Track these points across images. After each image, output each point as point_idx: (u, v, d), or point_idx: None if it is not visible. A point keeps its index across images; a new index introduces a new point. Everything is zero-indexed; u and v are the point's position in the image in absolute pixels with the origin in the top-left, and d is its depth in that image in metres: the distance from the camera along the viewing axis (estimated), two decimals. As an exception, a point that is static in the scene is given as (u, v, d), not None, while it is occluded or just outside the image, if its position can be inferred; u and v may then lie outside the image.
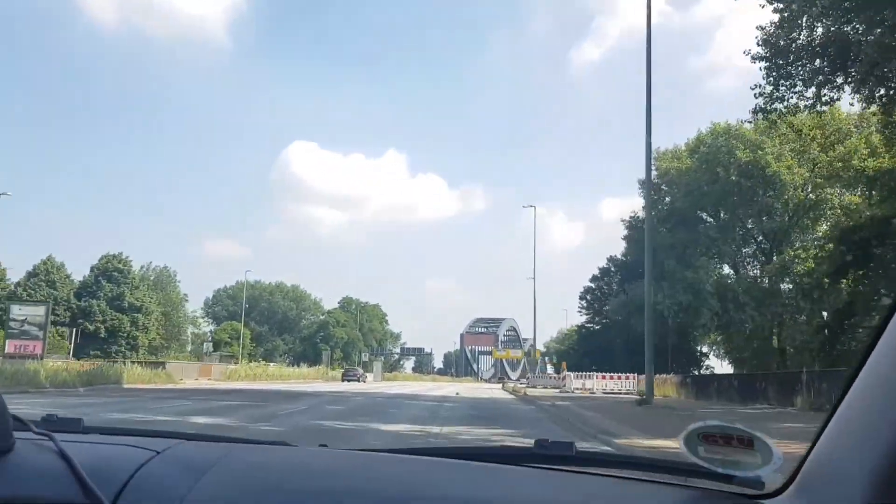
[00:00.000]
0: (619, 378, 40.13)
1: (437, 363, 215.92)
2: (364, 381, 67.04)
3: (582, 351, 61.66)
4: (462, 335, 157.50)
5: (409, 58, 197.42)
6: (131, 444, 1.13)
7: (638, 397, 26.64)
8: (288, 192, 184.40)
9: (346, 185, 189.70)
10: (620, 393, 37.39)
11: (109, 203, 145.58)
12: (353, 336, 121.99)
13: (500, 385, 62.31)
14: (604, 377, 40.34)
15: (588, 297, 60.96)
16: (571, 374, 42.59)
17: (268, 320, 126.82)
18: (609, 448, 9.97)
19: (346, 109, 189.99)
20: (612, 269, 58.96)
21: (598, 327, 60.35)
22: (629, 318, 46.23)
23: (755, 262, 49.89)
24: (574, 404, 23.79)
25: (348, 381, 64.07)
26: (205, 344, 52.75)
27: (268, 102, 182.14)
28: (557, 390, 40.43)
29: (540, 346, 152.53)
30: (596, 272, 61.16)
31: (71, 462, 0.93)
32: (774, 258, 46.30)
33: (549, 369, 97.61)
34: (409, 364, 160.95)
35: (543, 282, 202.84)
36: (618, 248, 58.08)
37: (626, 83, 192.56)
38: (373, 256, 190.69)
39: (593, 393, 37.89)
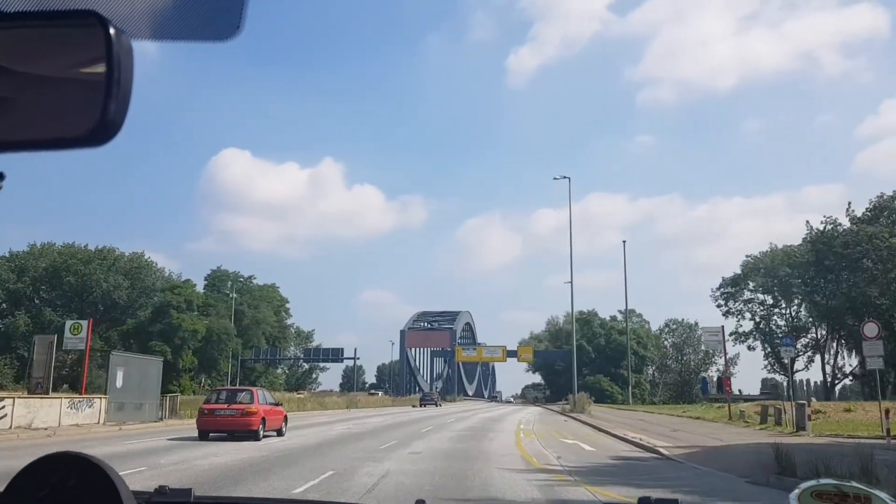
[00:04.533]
0: None
1: (370, 377, 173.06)
2: (439, 406, 64.78)
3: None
4: (403, 332, 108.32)
5: (346, 65, 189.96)
6: None
7: None
8: (218, 202, 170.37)
9: (280, 196, 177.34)
10: None
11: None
12: (218, 328, 71.19)
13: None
14: None
15: None
16: None
17: (80, 306, 75.16)
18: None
19: (280, 116, 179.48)
20: None
21: None
22: None
23: None
24: None
25: (425, 405, 63.53)
26: None
27: (196, 108, 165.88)
28: None
29: (489, 342, 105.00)
30: None
31: None
32: None
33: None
34: (331, 379, 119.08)
35: (482, 296, 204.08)
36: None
37: (564, 91, 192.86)
38: (308, 269, 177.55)
39: None
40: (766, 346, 65.55)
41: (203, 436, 19.34)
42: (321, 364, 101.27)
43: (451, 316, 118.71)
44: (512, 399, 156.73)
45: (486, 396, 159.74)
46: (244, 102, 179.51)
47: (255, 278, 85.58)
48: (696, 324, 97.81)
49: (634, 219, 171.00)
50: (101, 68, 0.63)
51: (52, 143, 0.65)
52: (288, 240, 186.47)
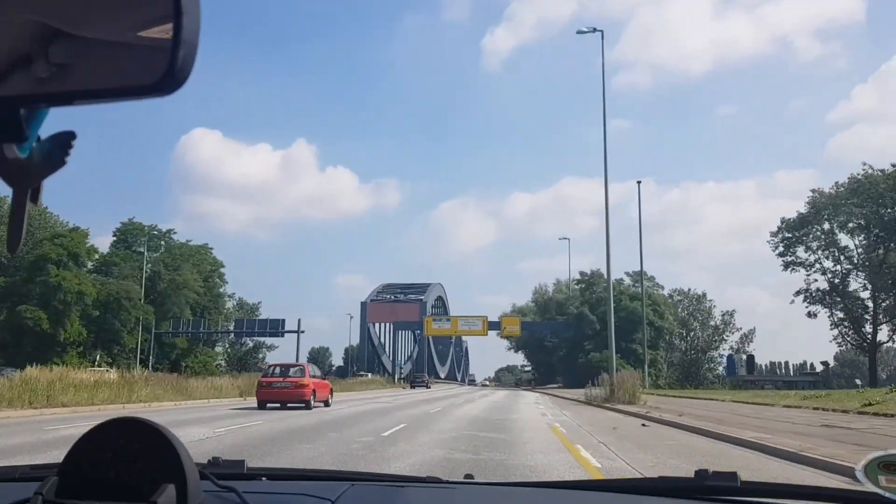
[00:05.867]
0: None
1: (337, 359, 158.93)
2: (429, 388, 64.01)
3: None
4: (364, 304, 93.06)
5: (320, 44, 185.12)
6: (304, 491, 1.19)
7: None
8: (188, 184, 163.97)
9: (252, 177, 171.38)
10: None
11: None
12: (117, 291, 55.28)
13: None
14: None
15: None
16: None
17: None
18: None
19: (252, 96, 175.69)
20: None
21: None
22: None
23: None
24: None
25: (416, 387, 63.09)
26: None
27: None
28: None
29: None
30: None
31: None
32: None
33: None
34: (291, 358, 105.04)
35: (456, 280, 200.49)
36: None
37: (539, 73, 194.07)
38: (279, 252, 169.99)
39: None
40: (838, 309, 50.56)
41: (261, 405, 20.94)
42: (267, 341, 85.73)
43: (421, 288, 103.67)
44: (487, 382, 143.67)
45: (459, 380, 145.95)
46: (215, 80, 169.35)
47: (174, 232, 69.41)
48: (704, 295, 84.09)
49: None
50: (168, 17, 0.62)
51: (121, 93, 0.64)
52: (259, 222, 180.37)
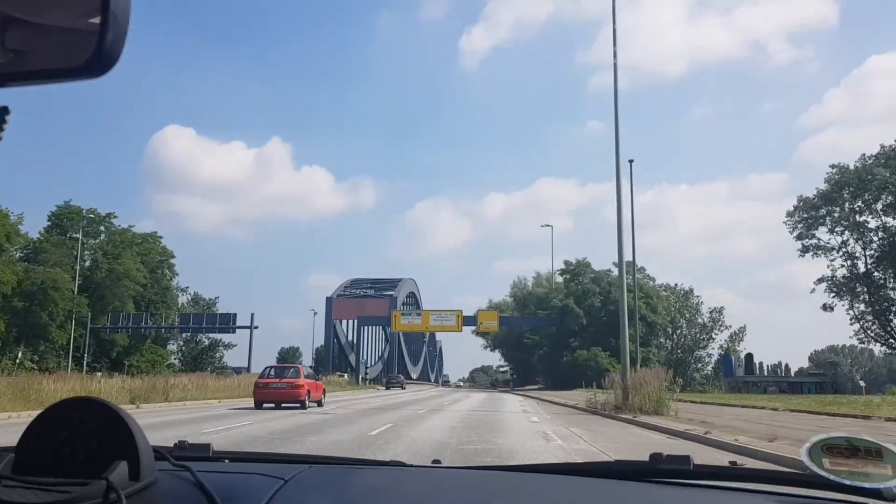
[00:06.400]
0: None
1: (307, 360, 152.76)
2: (405, 388, 63.99)
3: None
4: (329, 300, 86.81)
5: (294, 42, 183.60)
6: (260, 471, 1.20)
7: None
8: (160, 182, 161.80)
9: (226, 175, 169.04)
10: None
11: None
12: (44, 279, 48.71)
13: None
14: None
15: None
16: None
17: None
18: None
19: (225, 93, 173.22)
20: None
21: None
22: None
23: None
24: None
25: (390, 387, 63.78)
26: None
27: (137, 82, 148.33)
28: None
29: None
30: None
31: (209, 495, 0.96)
32: None
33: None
34: (264, 360, 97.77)
35: (432, 281, 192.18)
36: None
37: (516, 73, 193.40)
38: (253, 252, 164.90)
39: None
40: (857, 302, 45.27)
41: (258, 405, 21.63)
42: (225, 339, 79.39)
43: (392, 283, 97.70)
44: (462, 383, 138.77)
45: (433, 380, 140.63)
46: (188, 77, 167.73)
47: (115, 216, 62.62)
48: (692, 290, 79.44)
49: (582, 203, 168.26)
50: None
51: (51, 75, 0.63)
52: (233, 221, 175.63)
